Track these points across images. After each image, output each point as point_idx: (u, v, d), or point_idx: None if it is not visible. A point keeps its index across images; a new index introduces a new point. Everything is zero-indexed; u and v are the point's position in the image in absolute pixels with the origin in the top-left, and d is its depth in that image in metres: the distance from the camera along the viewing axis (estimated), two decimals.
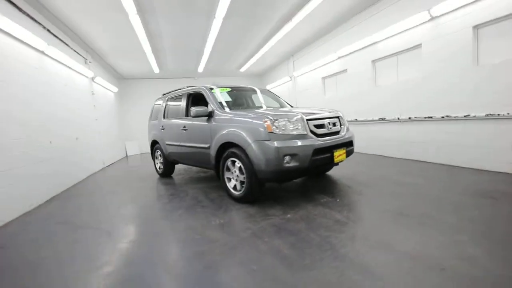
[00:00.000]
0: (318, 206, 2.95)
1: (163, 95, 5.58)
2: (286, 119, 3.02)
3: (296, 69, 9.59)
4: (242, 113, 3.40)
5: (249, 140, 3.03)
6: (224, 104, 3.90)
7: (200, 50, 8.27)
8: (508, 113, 3.56)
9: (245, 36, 7.25)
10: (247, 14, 5.62)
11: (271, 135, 2.93)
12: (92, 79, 7.12)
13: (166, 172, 5.34)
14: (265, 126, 2.96)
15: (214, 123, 3.66)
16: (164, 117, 5.15)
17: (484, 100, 3.81)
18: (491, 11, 3.63)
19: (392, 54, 5.40)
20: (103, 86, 8.32)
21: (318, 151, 3.01)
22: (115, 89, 9.93)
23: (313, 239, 2.18)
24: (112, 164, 8.38)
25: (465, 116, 4.07)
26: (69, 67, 5.59)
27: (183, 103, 4.59)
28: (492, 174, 3.66)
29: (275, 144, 2.88)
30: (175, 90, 5.19)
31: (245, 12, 5.45)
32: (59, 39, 5.17)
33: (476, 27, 3.83)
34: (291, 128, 2.99)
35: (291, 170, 2.89)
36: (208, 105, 3.88)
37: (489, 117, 3.77)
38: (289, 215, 2.75)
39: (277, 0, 5.00)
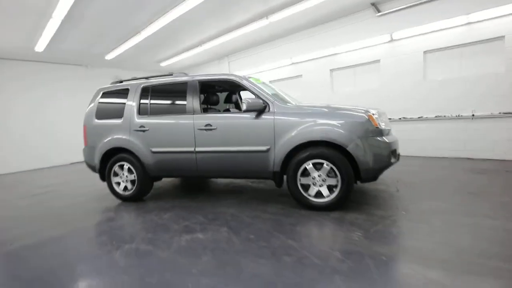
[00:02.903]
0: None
1: (130, 80, 3.82)
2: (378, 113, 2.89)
3: (234, 70, 9.24)
4: (315, 107, 2.90)
5: (352, 136, 2.65)
6: (280, 95, 3.18)
7: (124, 35, 6.33)
8: (450, 115, 5.10)
9: (179, 33, 6.30)
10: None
11: (378, 130, 2.70)
12: None
13: (140, 193, 3.62)
14: (370, 120, 2.70)
15: (277, 118, 2.90)
16: (140, 114, 3.51)
17: (432, 107, 5.26)
18: (436, 42, 5.08)
19: (351, 65, 6.35)
20: None
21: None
22: None
23: None
24: None
25: (418, 117, 5.45)
26: None
27: (191, 96, 3.31)
28: (437, 160, 5.13)
29: (386, 139, 2.69)
30: (158, 76, 3.70)
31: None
32: None
33: (426, 52, 5.26)
34: (384, 124, 2.89)
35: (388, 167, 2.78)
36: (255, 98, 3.04)
37: (437, 118, 5.24)
38: None
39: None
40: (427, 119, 5.34)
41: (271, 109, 2.96)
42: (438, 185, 3.53)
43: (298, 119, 2.84)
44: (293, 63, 7.39)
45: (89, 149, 3.84)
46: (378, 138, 2.69)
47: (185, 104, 3.35)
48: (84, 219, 3.12)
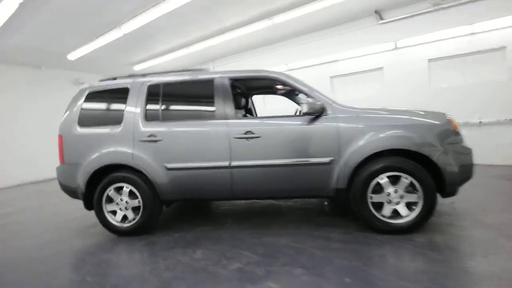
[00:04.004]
0: None
1: (126, 77, 2.94)
2: None
3: None
4: (382, 109, 2.46)
5: (436, 143, 2.24)
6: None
7: (94, 30, 5.34)
8: (457, 122, 5.14)
9: (159, 33, 5.61)
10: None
11: (459, 135, 2.34)
12: None
13: (147, 223, 2.69)
14: (452, 123, 2.34)
15: (342, 122, 2.37)
16: (148, 120, 2.66)
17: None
18: (441, 51, 5.17)
19: (353, 72, 6.22)
20: None
21: None
22: None
23: None
24: None
25: None
26: None
27: (221, 96, 2.60)
28: None
29: (467, 145, 2.34)
30: (172, 72, 2.91)
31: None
32: None
33: (430, 60, 5.32)
34: None
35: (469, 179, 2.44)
36: (309, 97, 2.49)
37: None
38: None
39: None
40: None
41: (330, 112, 2.43)
42: (485, 194, 3.32)
43: (367, 123, 2.36)
44: (289, 70, 7.05)
45: (67, 167, 2.80)
46: (463, 145, 2.34)
47: (213, 107, 2.62)
48: (56, 276, 2.11)
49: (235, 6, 5.11)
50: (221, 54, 8.16)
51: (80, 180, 2.73)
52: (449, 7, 4.86)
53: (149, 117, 2.71)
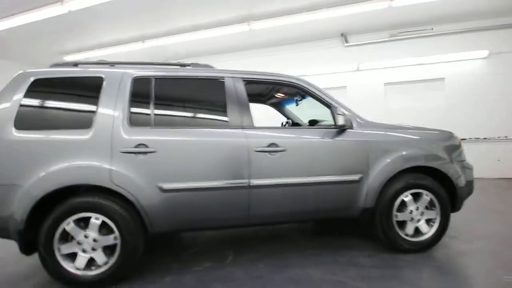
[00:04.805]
0: None
1: (96, 64, 2.17)
2: None
3: None
4: (400, 126, 2.45)
5: (453, 161, 2.32)
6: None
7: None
8: None
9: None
10: None
11: (464, 154, 2.49)
12: None
13: (124, 268, 1.91)
14: (460, 143, 2.47)
15: (369, 136, 2.22)
16: (133, 124, 1.97)
17: None
18: (394, 77, 5.88)
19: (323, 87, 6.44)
20: None
21: None
22: None
23: None
24: None
25: None
26: None
27: (235, 100, 2.13)
28: None
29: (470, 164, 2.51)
30: (158, 65, 2.28)
31: None
32: None
33: (386, 84, 5.95)
34: None
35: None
36: (332, 108, 2.28)
37: None
38: None
39: None
40: None
41: (355, 126, 2.27)
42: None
43: (393, 139, 2.29)
44: None
45: None
46: (469, 164, 2.50)
47: (225, 112, 2.13)
48: None
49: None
50: (184, 54, 7.37)
51: (17, 210, 1.78)
52: (403, 39, 5.62)
53: (134, 121, 2.01)
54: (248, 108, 2.15)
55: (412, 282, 1.86)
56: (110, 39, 6.16)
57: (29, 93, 1.93)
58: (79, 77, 2.06)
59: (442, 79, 5.56)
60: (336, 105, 2.28)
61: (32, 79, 1.97)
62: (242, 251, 2.43)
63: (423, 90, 5.77)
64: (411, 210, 2.24)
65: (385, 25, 5.45)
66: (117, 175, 1.86)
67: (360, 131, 2.24)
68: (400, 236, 2.22)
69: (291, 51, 6.55)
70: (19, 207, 1.78)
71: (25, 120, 1.89)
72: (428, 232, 2.28)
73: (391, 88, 5.99)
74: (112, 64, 2.22)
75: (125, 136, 1.92)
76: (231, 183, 1.99)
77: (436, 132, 2.45)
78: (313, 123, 2.93)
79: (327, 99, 2.31)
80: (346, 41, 6.00)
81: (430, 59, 5.49)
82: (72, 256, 1.87)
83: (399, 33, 5.58)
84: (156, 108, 2.06)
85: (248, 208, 2.05)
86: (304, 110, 3.50)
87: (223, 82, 2.18)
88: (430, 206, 2.29)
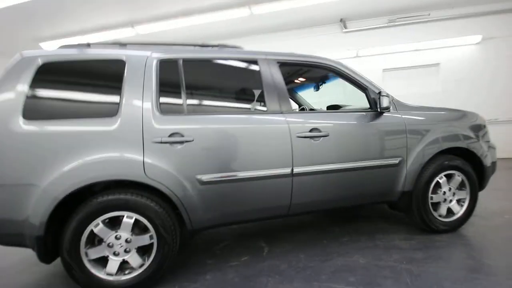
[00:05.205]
0: None
1: (112, 44, 1.90)
2: None
3: None
4: (432, 107, 2.43)
5: (482, 142, 2.35)
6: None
7: None
8: None
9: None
10: None
11: (488, 134, 2.54)
12: None
13: (160, 270, 1.72)
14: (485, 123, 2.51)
15: (406, 117, 2.19)
16: (164, 112, 1.76)
17: None
18: (392, 62, 5.94)
19: None
20: None
21: None
22: None
23: None
24: None
25: None
26: None
27: (272, 84, 1.98)
28: None
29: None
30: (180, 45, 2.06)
31: None
32: None
33: (384, 70, 6.01)
34: None
35: None
36: (369, 91, 2.21)
37: None
38: None
39: None
40: None
41: (392, 108, 2.22)
42: None
43: (429, 121, 2.27)
44: None
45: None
46: (493, 144, 2.56)
47: (262, 97, 1.97)
48: None
49: None
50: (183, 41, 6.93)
51: (34, 213, 1.55)
52: (400, 24, 5.67)
53: (165, 108, 1.80)
54: (286, 91, 2.02)
55: (457, 261, 1.89)
56: (95, 24, 5.62)
57: (38, 78, 1.67)
58: (96, 60, 1.80)
59: (438, 64, 5.72)
60: (373, 87, 2.20)
61: (40, 62, 1.69)
62: (274, 243, 2.35)
63: (419, 76, 5.91)
64: (444, 192, 2.26)
65: (385, 10, 5.45)
66: (152, 168, 1.67)
67: (398, 113, 2.19)
68: (435, 218, 2.24)
69: (291, 38, 6.39)
70: (36, 210, 1.55)
71: (34, 109, 1.63)
72: (459, 212, 2.32)
73: (389, 74, 6.08)
74: (123, 45, 1.97)
75: (157, 125, 1.72)
76: (276, 172, 1.88)
77: (464, 113, 2.47)
78: (333, 108, 2.85)
79: (364, 81, 2.23)
80: (345, 27, 5.95)
81: (427, 45, 5.61)
82: (100, 261, 1.67)
83: (397, 18, 5.62)
84: (187, 94, 1.86)
85: (290, 197, 1.95)
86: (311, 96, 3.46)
87: (257, 64, 2.02)
88: (460, 186, 2.32)
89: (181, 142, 1.74)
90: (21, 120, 1.58)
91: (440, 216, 2.27)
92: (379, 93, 2.06)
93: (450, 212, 2.31)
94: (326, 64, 2.20)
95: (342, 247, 2.18)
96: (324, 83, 3.01)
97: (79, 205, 1.63)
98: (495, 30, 5.33)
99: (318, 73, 2.91)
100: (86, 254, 1.63)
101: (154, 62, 1.84)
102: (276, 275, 1.85)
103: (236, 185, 1.83)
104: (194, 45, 2.10)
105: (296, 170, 1.91)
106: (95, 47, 1.91)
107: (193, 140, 1.75)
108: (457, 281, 1.64)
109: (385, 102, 2.01)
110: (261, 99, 1.97)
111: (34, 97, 1.65)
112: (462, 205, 2.33)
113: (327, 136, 1.98)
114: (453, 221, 2.30)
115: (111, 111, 1.71)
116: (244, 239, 2.48)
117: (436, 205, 2.26)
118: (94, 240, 1.67)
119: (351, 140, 2.05)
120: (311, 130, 1.95)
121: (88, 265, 1.64)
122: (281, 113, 1.95)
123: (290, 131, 1.91)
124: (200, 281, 1.84)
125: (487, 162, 2.37)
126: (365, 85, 2.21)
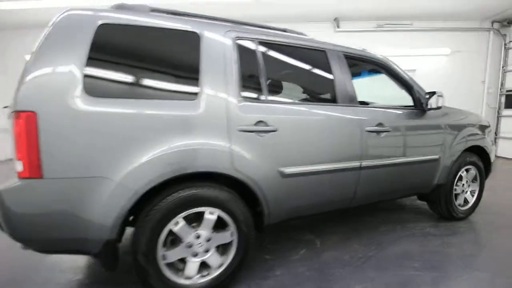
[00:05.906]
0: None
1: (165, 13, 1.63)
2: None
3: None
4: (452, 108, 2.70)
5: (488, 139, 2.72)
6: None
7: None
8: None
9: None
10: None
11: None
12: None
13: (237, 270, 1.59)
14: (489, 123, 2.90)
15: (442, 120, 2.39)
16: (243, 98, 1.59)
17: None
18: None
19: None
20: None
21: None
22: None
23: None
24: None
25: None
26: None
27: (341, 75, 1.96)
28: None
29: None
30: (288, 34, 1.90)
31: None
32: None
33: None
34: None
35: None
36: (414, 90, 2.36)
37: None
38: None
39: None
40: None
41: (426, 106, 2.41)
42: None
43: (457, 120, 2.52)
44: None
45: (52, 187, 1.23)
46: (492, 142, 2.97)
47: (333, 87, 1.93)
48: None
49: None
50: None
51: (107, 213, 1.28)
52: (386, 30, 6.12)
53: (246, 94, 1.63)
54: (352, 84, 2.02)
55: (487, 242, 2.21)
56: None
57: (97, 44, 1.34)
58: (164, 29, 1.52)
59: (414, 70, 6.37)
60: (417, 87, 2.35)
61: (99, 22, 1.37)
62: (321, 235, 2.37)
63: None
64: (463, 184, 2.58)
65: (375, 15, 5.81)
66: (239, 159, 1.53)
67: (436, 112, 2.39)
68: (456, 207, 2.55)
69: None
70: (108, 209, 1.29)
71: (99, 84, 1.33)
72: (471, 201, 2.68)
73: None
74: (180, 14, 1.71)
75: (241, 113, 1.56)
76: (348, 165, 1.89)
77: (476, 114, 2.83)
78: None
79: (410, 80, 2.36)
80: (338, 27, 6.16)
81: (407, 52, 6.20)
82: (173, 264, 1.48)
83: (385, 24, 6.05)
84: (267, 79, 1.72)
85: (355, 190, 1.99)
86: None
87: (327, 55, 1.97)
88: (472, 179, 2.68)
89: (266, 132, 1.61)
90: (84, 96, 1.27)
91: (459, 205, 2.59)
92: (434, 93, 2.21)
93: (465, 201, 2.64)
94: (379, 60, 2.28)
95: (385, 236, 2.32)
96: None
97: (148, 201, 1.38)
98: (461, 45, 6.17)
99: (360, 68, 2.98)
100: (164, 257, 1.42)
101: (231, 40, 1.64)
102: (345, 266, 1.88)
103: (313, 178, 1.79)
104: (260, 26, 1.94)
105: (364, 163, 1.95)
106: (158, 13, 1.62)
107: (277, 130, 1.64)
108: (502, 261, 1.90)
109: (441, 102, 2.17)
110: (333, 91, 1.93)
111: (96, 66, 1.33)
112: (473, 195, 2.69)
113: (389, 131, 2.06)
114: (467, 209, 2.64)
115: (191, 93, 1.49)
116: (287, 232, 2.45)
117: (455, 196, 2.57)
118: (166, 240, 1.46)
119: (407, 136, 2.18)
120: (377, 125, 2.01)
121: (165, 269, 1.43)
122: (353, 106, 1.96)
123: (361, 125, 1.93)
124: (271, 277, 1.77)
125: (492, 157, 2.77)
126: (411, 84, 2.35)
